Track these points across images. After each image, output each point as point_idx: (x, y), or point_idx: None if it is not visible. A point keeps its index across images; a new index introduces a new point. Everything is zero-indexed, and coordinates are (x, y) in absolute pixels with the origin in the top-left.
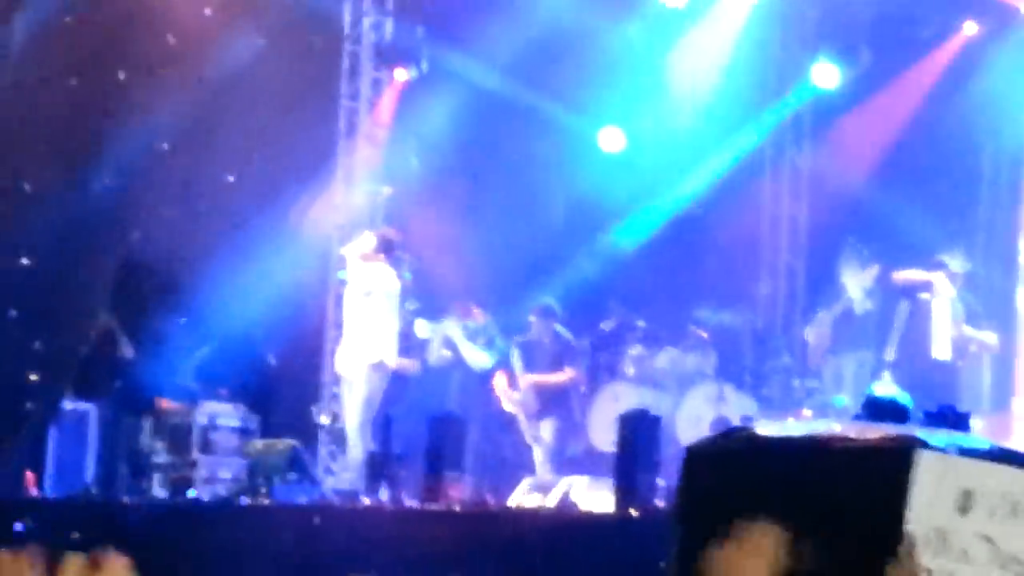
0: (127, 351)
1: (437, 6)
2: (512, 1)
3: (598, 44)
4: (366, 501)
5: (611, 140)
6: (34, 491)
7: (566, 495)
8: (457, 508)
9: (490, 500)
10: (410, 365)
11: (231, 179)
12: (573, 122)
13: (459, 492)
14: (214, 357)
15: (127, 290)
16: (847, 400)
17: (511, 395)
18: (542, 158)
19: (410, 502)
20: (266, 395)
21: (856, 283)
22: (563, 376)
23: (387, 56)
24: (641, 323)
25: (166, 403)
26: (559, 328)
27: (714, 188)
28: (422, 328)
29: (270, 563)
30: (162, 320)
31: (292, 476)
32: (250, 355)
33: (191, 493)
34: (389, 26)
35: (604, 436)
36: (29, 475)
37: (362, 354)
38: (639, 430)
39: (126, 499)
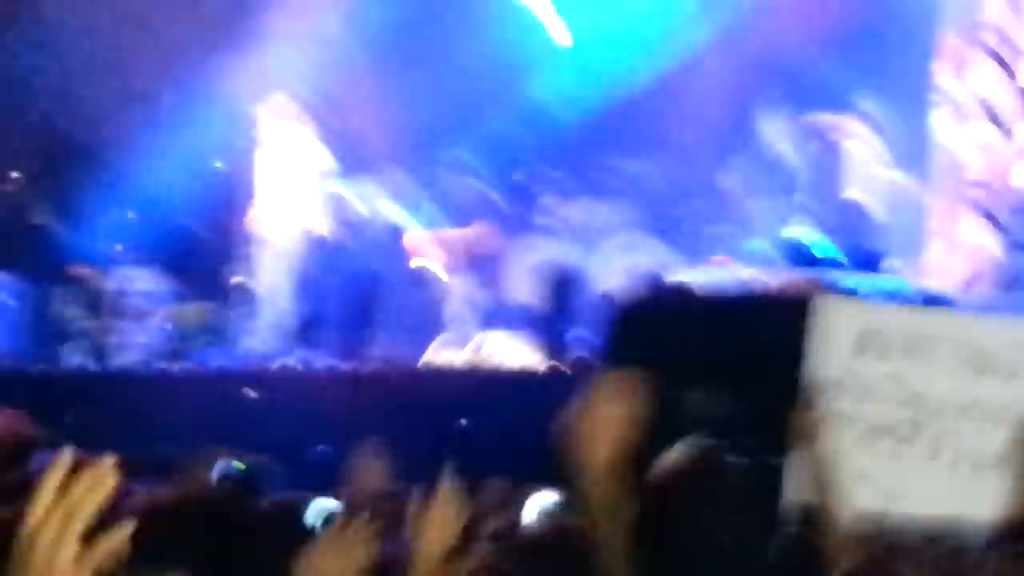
0: (40, 218)
1: None
2: None
3: None
4: (284, 362)
5: None
6: None
7: (481, 348)
8: (380, 367)
9: (409, 358)
10: (326, 225)
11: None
12: None
13: (378, 351)
14: (127, 221)
15: (40, 157)
16: (761, 244)
17: (423, 250)
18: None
19: (328, 362)
20: (181, 258)
21: (769, 126)
22: (475, 230)
23: None
24: (555, 173)
25: (80, 269)
26: (472, 180)
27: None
28: (337, 187)
29: (190, 428)
30: (75, 186)
31: (209, 339)
32: (164, 218)
33: (107, 359)
34: None
35: (519, 289)
36: None
37: (278, 214)
38: (563, 283)
39: (42, 367)
